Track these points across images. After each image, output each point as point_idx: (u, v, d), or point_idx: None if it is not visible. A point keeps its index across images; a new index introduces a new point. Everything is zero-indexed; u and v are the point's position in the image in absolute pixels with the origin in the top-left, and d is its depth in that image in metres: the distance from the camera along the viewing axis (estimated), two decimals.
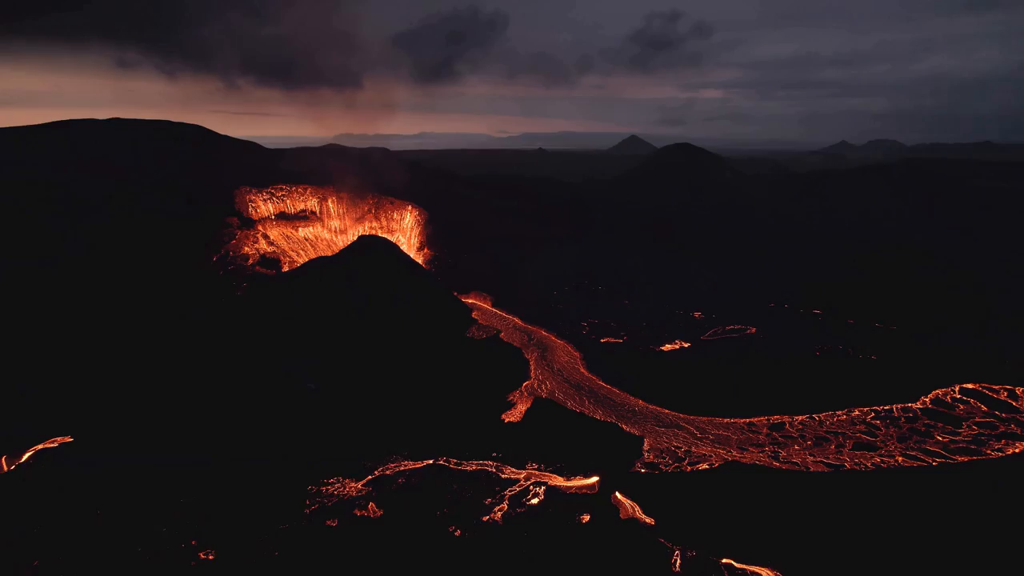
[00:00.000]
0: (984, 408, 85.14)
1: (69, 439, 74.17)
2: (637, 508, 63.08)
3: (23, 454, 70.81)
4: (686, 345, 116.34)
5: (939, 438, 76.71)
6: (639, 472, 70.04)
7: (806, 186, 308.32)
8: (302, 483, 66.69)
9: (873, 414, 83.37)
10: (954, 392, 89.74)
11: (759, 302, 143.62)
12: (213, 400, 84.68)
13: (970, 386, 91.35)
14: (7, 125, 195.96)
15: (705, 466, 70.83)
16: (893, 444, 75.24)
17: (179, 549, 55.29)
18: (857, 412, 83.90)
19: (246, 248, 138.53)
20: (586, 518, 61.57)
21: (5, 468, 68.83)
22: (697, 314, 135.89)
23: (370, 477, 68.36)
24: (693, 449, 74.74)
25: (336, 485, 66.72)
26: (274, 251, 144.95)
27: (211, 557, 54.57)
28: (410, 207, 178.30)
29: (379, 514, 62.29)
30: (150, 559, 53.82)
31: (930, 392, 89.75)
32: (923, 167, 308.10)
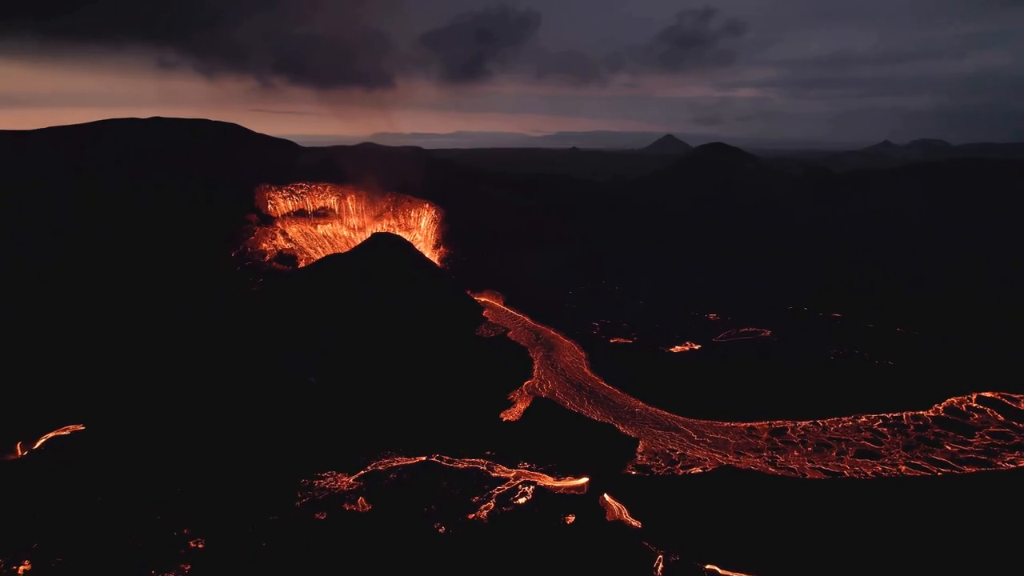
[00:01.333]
0: (1001, 418, 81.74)
1: (81, 427, 77.26)
2: (624, 510, 62.60)
3: (37, 440, 74.07)
4: (696, 347, 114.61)
5: (948, 448, 73.99)
6: (630, 474, 69.49)
7: (838, 186, 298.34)
8: (297, 476, 68.11)
9: (881, 421, 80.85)
10: (970, 400, 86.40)
11: (778, 304, 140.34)
12: (217, 393, 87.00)
13: (988, 394, 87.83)
14: (59, 124, 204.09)
15: (698, 470, 69.80)
16: (898, 453, 72.84)
17: (171, 537, 57.12)
18: (864, 419, 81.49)
19: (264, 244, 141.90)
20: (571, 519, 61.40)
21: (20, 453, 72.14)
22: (712, 315, 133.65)
23: (362, 472, 69.40)
24: (688, 452, 73.73)
25: (329, 479, 67.97)
26: (291, 248, 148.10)
27: (200, 546, 56.24)
28: (427, 205, 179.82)
29: (367, 509, 63.26)
30: (142, 545, 55.75)
31: (945, 400, 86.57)
32: (964, 167, 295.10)
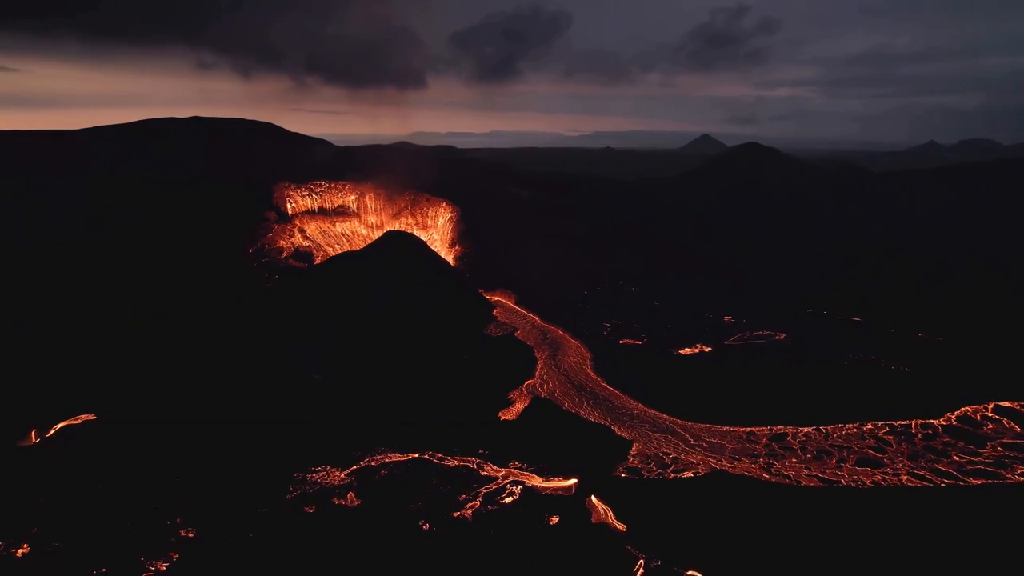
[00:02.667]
0: (1017, 428, 78.37)
1: (93, 417, 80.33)
2: (610, 513, 62.17)
3: (50, 428, 77.29)
4: (707, 349, 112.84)
5: (956, 458, 71.26)
6: (620, 477, 68.88)
7: (873, 187, 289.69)
8: (291, 469, 69.56)
9: (887, 429, 78.35)
10: (986, 409, 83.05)
11: (797, 307, 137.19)
12: (224, 387, 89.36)
13: (1006, 404, 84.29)
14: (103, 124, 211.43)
15: (690, 474, 68.78)
16: (901, 462, 70.51)
17: (164, 526, 59.02)
18: (870, 426, 79.09)
19: (281, 242, 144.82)
20: (555, 520, 61.23)
21: (34, 439, 75.41)
22: (727, 317, 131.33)
23: (355, 467, 70.48)
24: (682, 456, 72.70)
25: (322, 473, 69.24)
26: (308, 245, 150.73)
27: (191, 535, 58.00)
28: (444, 204, 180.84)
29: (356, 504, 64.22)
30: (135, 533, 57.76)
31: (959, 408, 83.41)
32: (1003, 168, 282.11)
